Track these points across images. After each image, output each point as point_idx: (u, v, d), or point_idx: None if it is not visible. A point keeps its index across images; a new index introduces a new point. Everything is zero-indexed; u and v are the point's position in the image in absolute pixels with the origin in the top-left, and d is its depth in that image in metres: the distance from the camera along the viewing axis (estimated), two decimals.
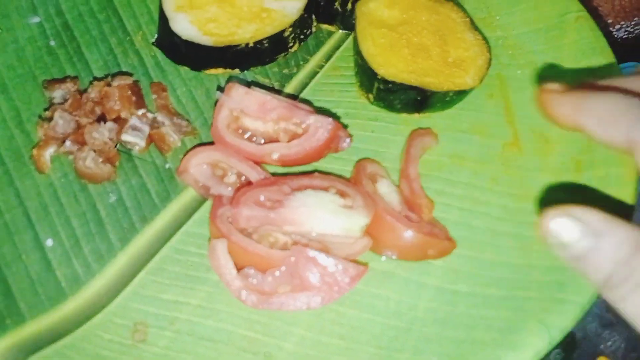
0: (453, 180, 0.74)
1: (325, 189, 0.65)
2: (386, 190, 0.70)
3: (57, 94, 0.73)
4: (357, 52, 0.77)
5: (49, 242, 0.66)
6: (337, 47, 0.85)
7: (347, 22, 0.85)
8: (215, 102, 0.73)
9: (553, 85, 0.61)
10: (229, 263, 0.62)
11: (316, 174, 0.68)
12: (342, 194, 0.65)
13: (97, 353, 0.60)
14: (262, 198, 0.64)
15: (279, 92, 0.79)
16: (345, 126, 0.76)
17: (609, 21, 1.16)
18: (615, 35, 1.16)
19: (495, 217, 0.71)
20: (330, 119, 0.69)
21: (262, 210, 0.63)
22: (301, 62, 0.83)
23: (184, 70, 0.80)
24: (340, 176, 0.72)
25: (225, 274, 0.62)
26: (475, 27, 0.80)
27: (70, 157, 0.70)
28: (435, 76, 0.74)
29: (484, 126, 0.78)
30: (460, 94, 0.75)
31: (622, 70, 0.83)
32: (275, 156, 0.68)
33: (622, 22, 1.16)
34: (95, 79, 0.76)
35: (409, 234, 0.65)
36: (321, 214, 0.63)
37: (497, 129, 0.78)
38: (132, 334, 0.62)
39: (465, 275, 0.68)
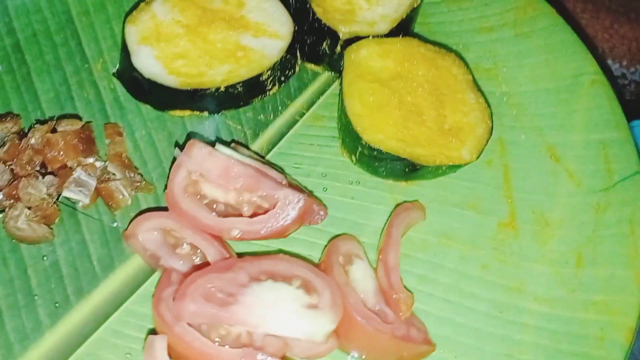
0: (438, 264, 0.65)
1: (289, 280, 0.56)
2: (361, 275, 0.61)
3: None
4: (342, 109, 0.67)
5: None
6: (321, 92, 0.76)
7: (336, 64, 0.75)
8: (174, 159, 0.64)
9: None
10: None
11: (280, 255, 0.59)
12: (307, 288, 0.56)
13: None
14: (212, 289, 0.55)
15: (246, 147, 0.70)
16: (313, 193, 0.66)
17: (624, 63, 1.07)
18: (630, 79, 1.07)
19: (482, 313, 0.63)
20: (301, 196, 0.60)
21: (211, 307, 0.54)
22: (280, 108, 0.74)
23: (146, 108, 0.71)
24: (309, 261, 0.63)
25: None
26: (477, 85, 0.71)
27: (2, 215, 0.61)
28: (427, 147, 0.65)
29: (479, 200, 0.69)
30: (454, 167, 0.66)
31: (632, 129, 0.74)
32: (235, 233, 0.59)
33: (638, 65, 1.08)
34: (39, 121, 0.67)
35: (381, 337, 0.56)
36: (279, 316, 0.54)
37: (493, 205, 0.69)
38: None
39: None
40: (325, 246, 0.64)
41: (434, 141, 0.65)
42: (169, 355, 0.55)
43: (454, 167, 0.66)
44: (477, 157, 0.65)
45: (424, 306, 0.63)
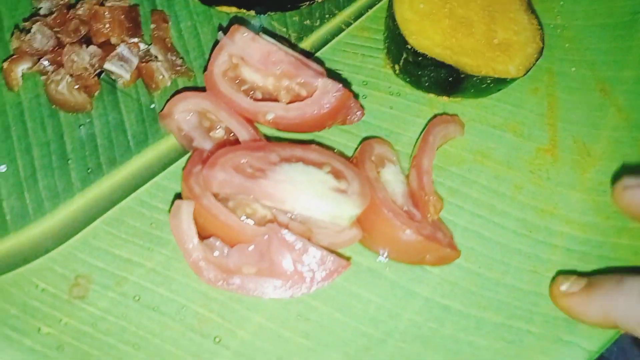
0: (472, 180, 0.64)
1: (319, 166, 0.56)
2: (391, 178, 0.61)
3: (44, 4, 0.65)
4: (390, 14, 0.66)
5: (2, 168, 0.59)
6: (370, 6, 0.75)
7: None
8: (216, 44, 0.63)
9: (566, 285, 0.55)
10: (191, 229, 0.54)
11: (313, 145, 0.59)
12: (337, 175, 0.56)
13: (24, 302, 0.53)
14: (243, 162, 0.55)
15: (294, 45, 0.69)
16: (357, 96, 0.66)
17: None
18: None
19: (511, 230, 0.61)
20: (340, 86, 0.59)
21: (240, 177, 0.54)
22: (327, 16, 0.73)
23: (194, 2, 0.71)
24: (341, 153, 0.62)
25: (185, 241, 0.53)
26: (532, 9, 0.68)
27: (43, 77, 0.62)
28: (474, 57, 0.63)
29: (520, 124, 0.67)
30: (500, 82, 0.64)
31: None
32: (269, 117, 0.59)
33: None
34: None
35: (406, 233, 0.56)
36: (307, 194, 0.54)
37: (534, 130, 0.67)
38: (71, 287, 0.55)
39: (461, 291, 0.58)
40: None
41: (482, 53, 0.63)
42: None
43: (499, 84, 0.65)
44: (524, 74, 0.63)
45: (453, 217, 0.62)
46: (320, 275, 0.54)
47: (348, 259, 0.58)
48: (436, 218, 0.59)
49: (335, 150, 0.63)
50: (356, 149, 0.64)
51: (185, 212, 0.54)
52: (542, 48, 0.66)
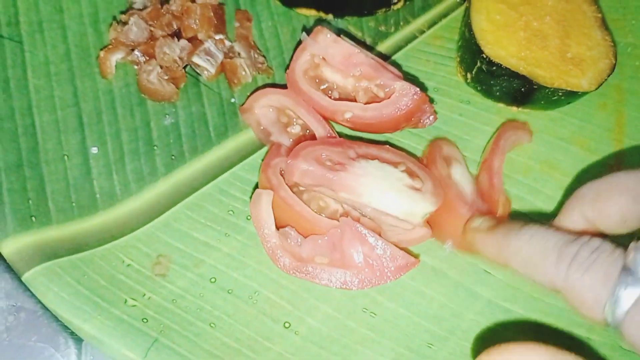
0: (537, 189, 0.65)
1: (395, 165, 0.58)
2: (460, 177, 0.62)
3: None
4: (466, 24, 0.68)
5: (94, 150, 0.63)
6: (444, 15, 0.77)
7: None
8: (298, 44, 0.66)
9: (477, 222, 0.56)
10: (270, 217, 0.57)
11: (387, 146, 0.61)
12: (411, 174, 0.58)
13: (112, 275, 0.56)
14: (323, 156, 0.57)
15: (369, 48, 0.72)
16: (432, 101, 0.68)
17: None
18: None
19: None
20: (417, 89, 0.61)
21: (321, 169, 0.56)
22: (401, 23, 0.75)
23: (275, 3, 0.74)
24: (412, 154, 0.65)
25: (264, 228, 0.56)
26: (606, 26, 0.70)
27: (136, 67, 0.66)
28: (547, 69, 0.64)
29: (587, 139, 0.69)
30: (571, 95, 0.65)
31: None
32: (348, 115, 0.62)
33: None
34: None
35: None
36: (384, 189, 0.56)
37: (601, 146, 0.68)
38: (153, 265, 0.58)
39: (523, 296, 0.60)
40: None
41: (555, 66, 0.65)
42: None
43: (570, 97, 0.66)
44: (596, 88, 0.65)
45: None
46: (390, 270, 0.56)
47: (417, 256, 0.60)
48: (504, 215, 0.60)
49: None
50: (423, 150, 0.66)
51: (265, 200, 0.57)
52: (615, 64, 0.67)
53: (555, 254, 0.46)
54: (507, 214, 0.61)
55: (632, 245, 0.44)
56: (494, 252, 0.52)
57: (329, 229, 0.57)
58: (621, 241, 0.46)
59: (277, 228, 0.57)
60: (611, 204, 0.48)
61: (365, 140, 0.65)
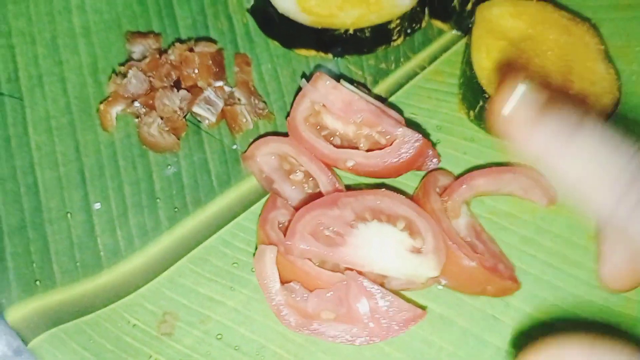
0: (544, 228, 0.64)
1: (393, 222, 0.57)
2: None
3: (137, 49, 0.69)
4: (467, 62, 0.68)
5: (97, 206, 0.63)
6: (445, 49, 0.76)
7: (463, 23, 0.75)
8: (299, 90, 0.66)
9: (517, 103, 0.44)
10: (274, 274, 0.56)
11: (382, 190, 0.60)
12: (411, 230, 0.57)
13: (118, 337, 0.56)
14: (320, 226, 0.57)
15: (368, 89, 0.71)
16: (434, 144, 0.67)
17: None
18: None
19: (583, 281, 0.62)
20: (419, 136, 0.61)
21: (320, 247, 0.56)
22: (402, 59, 0.75)
23: (274, 45, 0.74)
24: (406, 194, 0.64)
25: (269, 286, 0.56)
26: (609, 56, 0.69)
27: (137, 119, 0.66)
28: None
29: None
30: None
31: None
32: (350, 164, 0.61)
33: None
34: (179, 40, 0.71)
35: (468, 264, 0.57)
36: (385, 258, 0.56)
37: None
38: (159, 324, 0.58)
39: (533, 342, 0.59)
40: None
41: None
42: None
43: None
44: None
45: (525, 266, 0.62)
46: (397, 324, 0.56)
47: (424, 308, 0.59)
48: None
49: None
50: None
51: (268, 257, 0.56)
52: (619, 98, 0.66)
53: (619, 188, 0.40)
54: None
55: None
56: (540, 149, 0.43)
57: (333, 282, 0.56)
58: None
59: (282, 282, 0.57)
60: None
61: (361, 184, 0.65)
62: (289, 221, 0.59)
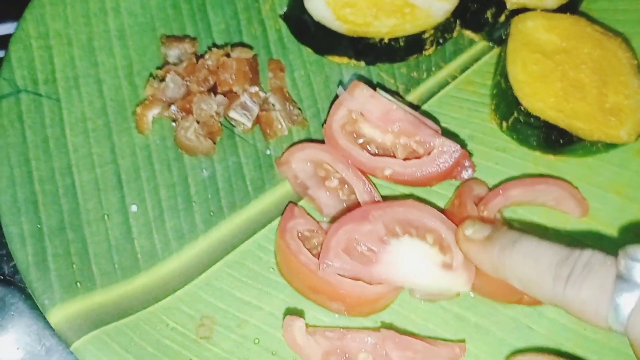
0: (577, 240, 0.65)
1: (423, 236, 0.58)
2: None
3: (173, 52, 0.69)
4: (502, 74, 0.68)
5: (134, 208, 0.63)
6: (476, 59, 0.77)
7: (495, 34, 0.76)
8: (335, 97, 0.66)
9: (470, 230, 0.56)
10: (308, 347, 0.55)
11: (410, 201, 0.60)
12: (441, 245, 0.57)
13: (158, 340, 0.56)
14: (354, 243, 0.57)
15: (401, 97, 0.72)
16: (470, 155, 0.67)
17: None
18: None
19: None
20: (458, 146, 0.61)
21: (354, 265, 0.56)
22: (433, 69, 0.75)
23: (307, 51, 0.74)
24: (436, 206, 0.64)
25: (306, 355, 0.56)
26: None
27: (173, 123, 0.66)
28: (586, 121, 0.64)
29: (624, 186, 0.68)
30: (610, 146, 0.65)
31: None
32: (387, 172, 0.62)
33: None
34: (215, 45, 0.71)
35: None
36: (417, 275, 0.56)
37: (639, 193, 0.68)
38: (197, 328, 0.58)
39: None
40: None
41: (593, 117, 0.65)
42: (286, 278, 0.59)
43: (608, 147, 0.66)
44: (636, 140, 0.64)
45: None
46: None
47: (462, 340, 0.59)
48: None
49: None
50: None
51: (297, 329, 0.56)
52: None
53: (550, 274, 0.48)
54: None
55: (621, 253, 0.46)
56: (489, 268, 0.53)
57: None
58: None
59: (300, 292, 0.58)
60: None
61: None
62: (309, 230, 0.60)
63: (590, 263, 0.47)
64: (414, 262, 0.56)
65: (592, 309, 0.45)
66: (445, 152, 0.61)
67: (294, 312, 0.59)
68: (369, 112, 0.63)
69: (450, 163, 0.60)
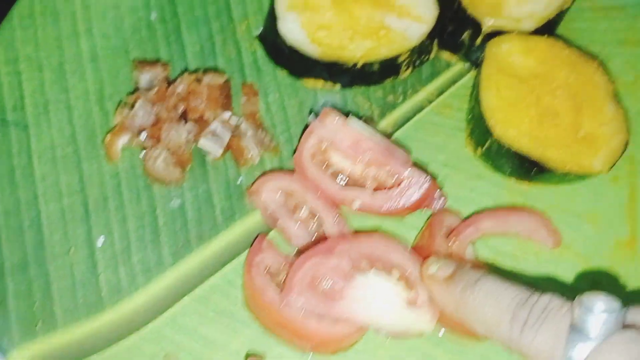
0: (551, 272, 0.64)
1: (389, 271, 0.57)
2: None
3: (145, 77, 0.68)
4: (476, 99, 0.67)
5: (100, 241, 0.62)
6: (454, 82, 0.75)
7: (472, 56, 0.74)
8: (306, 125, 0.65)
9: (434, 268, 0.55)
10: None
11: (377, 235, 0.59)
12: (406, 281, 0.57)
13: None
14: (318, 278, 0.56)
15: (374, 123, 0.71)
16: (441, 181, 0.67)
17: None
18: None
19: None
20: (428, 177, 0.60)
21: (318, 302, 0.55)
22: (410, 91, 0.74)
23: (281, 74, 0.73)
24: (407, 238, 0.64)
25: None
26: (618, 96, 0.68)
27: (142, 151, 0.65)
28: (559, 151, 0.63)
29: (599, 214, 0.67)
30: (583, 176, 0.64)
31: None
32: (356, 204, 0.61)
33: None
34: (187, 70, 0.70)
35: None
36: (382, 313, 0.55)
37: (614, 221, 0.67)
38: None
39: None
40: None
41: (567, 146, 0.64)
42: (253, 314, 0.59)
43: (582, 177, 0.65)
44: (609, 170, 0.63)
45: None
46: None
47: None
48: None
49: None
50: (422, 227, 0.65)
51: None
52: (627, 141, 0.66)
53: (508, 317, 0.47)
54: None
55: (576, 301, 0.45)
56: (452, 309, 0.52)
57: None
58: None
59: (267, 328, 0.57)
60: None
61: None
62: (277, 264, 0.59)
63: (547, 308, 0.46)
64: (378, 299, 0.55)
65: (546, 357, 0.45)
66: (414, 184, 0.60)
67: (256, 354, 0.59)
68: (339, 141, 0.63)
69: (419, 196, 0.60)
